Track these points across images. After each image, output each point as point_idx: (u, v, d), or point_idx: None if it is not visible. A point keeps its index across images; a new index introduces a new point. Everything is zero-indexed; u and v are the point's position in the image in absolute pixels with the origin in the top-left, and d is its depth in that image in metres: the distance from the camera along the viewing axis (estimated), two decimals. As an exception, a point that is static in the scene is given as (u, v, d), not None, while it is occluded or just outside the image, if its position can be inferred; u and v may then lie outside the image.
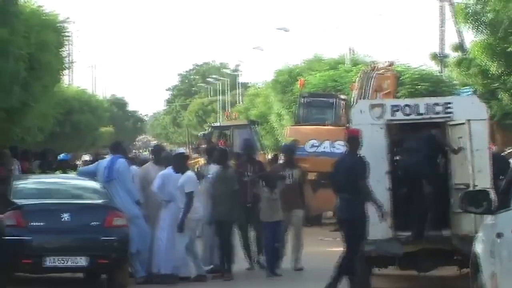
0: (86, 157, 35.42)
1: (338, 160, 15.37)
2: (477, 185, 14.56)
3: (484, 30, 26.79)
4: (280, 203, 17.08)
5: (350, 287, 13.69)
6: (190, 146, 41.21)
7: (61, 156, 25.49)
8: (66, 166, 23.77)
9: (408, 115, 15.56)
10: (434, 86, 34.66)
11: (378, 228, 14.72)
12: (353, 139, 14.92)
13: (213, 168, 17.71)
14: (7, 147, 23.97)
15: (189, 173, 16.55)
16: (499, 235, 9.41)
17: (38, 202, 13.04)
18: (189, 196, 14.25)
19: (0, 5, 21.01)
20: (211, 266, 16.34)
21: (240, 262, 17.36)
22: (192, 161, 27.15)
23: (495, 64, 25.73)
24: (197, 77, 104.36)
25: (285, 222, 17.35)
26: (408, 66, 37.41)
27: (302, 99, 33.17)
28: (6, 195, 14.21)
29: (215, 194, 16.92)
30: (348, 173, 14.75)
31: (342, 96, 32.15)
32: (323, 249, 19.98)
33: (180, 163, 16.77)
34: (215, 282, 16.18)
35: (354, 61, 41.69)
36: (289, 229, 17.79)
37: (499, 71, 25.97)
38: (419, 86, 34.37)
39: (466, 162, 15.18)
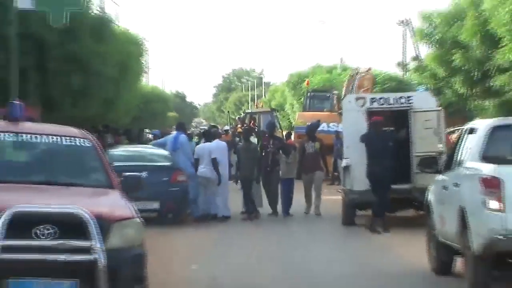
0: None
1: (369, 136, 15.14)
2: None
3: (434, 46, 25.79)
4: (302, 167, 16.97)
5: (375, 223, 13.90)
6: (230, 126, 41.17)
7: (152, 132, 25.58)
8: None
9: (382, 105, 15.43)
10: (398, 86, 33.82)
11: (361, 183, 14.63)
12: (378, 123, 14.92)
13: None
14: (104, 126, 24.21)
15: (214, 143, 16.30)
16: (445, 188, 9.55)
17: (123, 164, 12.99)
18: (213, 160, 14.28)
19: (99, 28, 21.07)
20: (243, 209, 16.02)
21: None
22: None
23: (442, 70, 24.87)
24: (234, 78, 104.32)
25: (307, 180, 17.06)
26: (380, 71, 36.90)
27: (308, 94, 32.97)
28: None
29: (241, 160, 16.89)
30: (384, 145, 14.87)
31: (335, 92, 31.59)
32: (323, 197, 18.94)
33: (210, 137, 16.84)
34: (248, 221, 16.20)
35: (344, 67, 41.31)
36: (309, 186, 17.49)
37: (444, 75, 24.95)
38: (387, 85, 33.94)
39: (426, 136, 15.04)
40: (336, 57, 53.11)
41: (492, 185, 8.18)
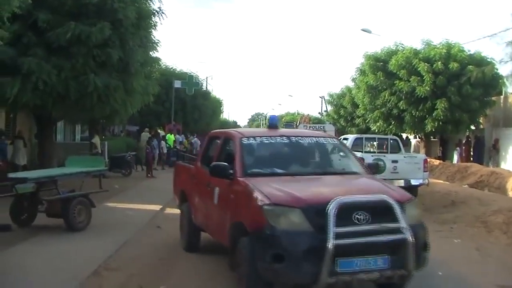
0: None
1: None
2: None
3: (333, 106, 32.12)
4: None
5: None
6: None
7: None
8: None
9: (313, 128, 18.71)
10: (319, 121, 34.58)
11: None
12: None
13: None
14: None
15: None
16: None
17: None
18: None
19: (205, 94, 26.14)
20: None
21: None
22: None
23: (336, 116, 30.95)
24: (256, 115, 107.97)
25: None
26: (312, 115, 39.17)
27: (284, 123, 36.11)
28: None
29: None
30: None
31: (296, 122, 31.69)
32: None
33: None
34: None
35: (300, 114, 45.70)
36: None
37: (336, 117, 30.27)
38: (315, 120, 34.30)
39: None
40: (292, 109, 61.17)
41: (360, 160, 7.74)
